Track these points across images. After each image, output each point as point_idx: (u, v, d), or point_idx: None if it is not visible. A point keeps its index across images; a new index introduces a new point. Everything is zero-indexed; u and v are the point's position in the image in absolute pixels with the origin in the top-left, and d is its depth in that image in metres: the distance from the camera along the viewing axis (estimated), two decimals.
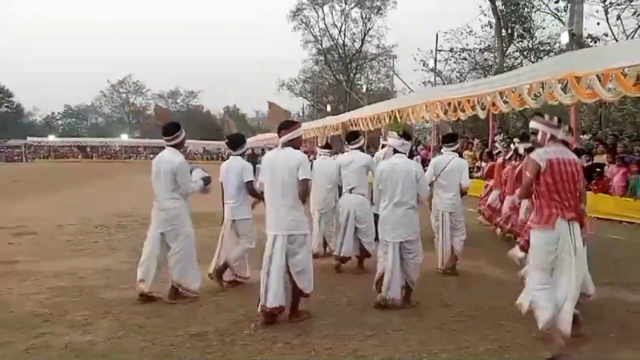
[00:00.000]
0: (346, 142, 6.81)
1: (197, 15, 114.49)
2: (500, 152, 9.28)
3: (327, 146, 7.44)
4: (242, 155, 5.88)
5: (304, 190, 4.49)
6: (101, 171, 33.93)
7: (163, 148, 5.36)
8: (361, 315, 4.70)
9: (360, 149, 6.68)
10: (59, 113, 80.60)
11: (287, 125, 4.61)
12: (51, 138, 65.13)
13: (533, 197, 4.15)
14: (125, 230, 9.55)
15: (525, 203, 5.93)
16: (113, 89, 78.99)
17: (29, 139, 61.54)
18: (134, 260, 6.92)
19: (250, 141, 57.83)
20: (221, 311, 4.80)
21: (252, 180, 5.45)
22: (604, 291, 5.48)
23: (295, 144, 4.59)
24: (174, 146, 5.23)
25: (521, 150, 7.07)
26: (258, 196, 5.30)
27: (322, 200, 6.91)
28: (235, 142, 5.87)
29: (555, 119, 4.14)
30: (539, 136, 4.13)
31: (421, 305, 4.96)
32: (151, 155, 62.49)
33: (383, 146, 7.83)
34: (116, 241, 8.44)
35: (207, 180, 5.44)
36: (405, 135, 5.29)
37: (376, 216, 5.43)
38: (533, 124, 4.22)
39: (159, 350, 3.95)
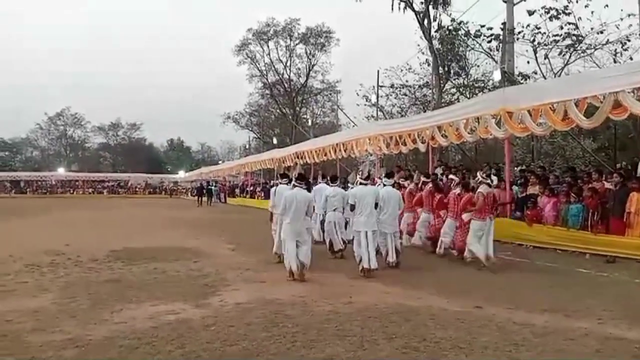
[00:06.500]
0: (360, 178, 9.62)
1: (139, 45, 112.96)
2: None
3: (366, 177, 9.83)
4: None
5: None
6: (35, 207, 32.22)
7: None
8: (306, 351, 4.61)
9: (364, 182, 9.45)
10: None
11: (392, 174, 9.82)
12: None
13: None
14: (58, 269, 9.02)
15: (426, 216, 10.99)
16: (50, 122, 76.31)
17: None
18: (66, 301, 6.58)
19: (195, 173, 57.02)
20: (157, 352, 4.57)
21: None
22: (541, 319, 5.65)
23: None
24: (300, 186, 8.39)
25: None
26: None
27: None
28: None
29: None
30: (477, 179, 9.50)
31: (365, 339, 4.92)
32: (90, 190, 60.55)
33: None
34: (48, 281, 7.95)
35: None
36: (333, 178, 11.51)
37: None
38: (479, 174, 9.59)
39: None
